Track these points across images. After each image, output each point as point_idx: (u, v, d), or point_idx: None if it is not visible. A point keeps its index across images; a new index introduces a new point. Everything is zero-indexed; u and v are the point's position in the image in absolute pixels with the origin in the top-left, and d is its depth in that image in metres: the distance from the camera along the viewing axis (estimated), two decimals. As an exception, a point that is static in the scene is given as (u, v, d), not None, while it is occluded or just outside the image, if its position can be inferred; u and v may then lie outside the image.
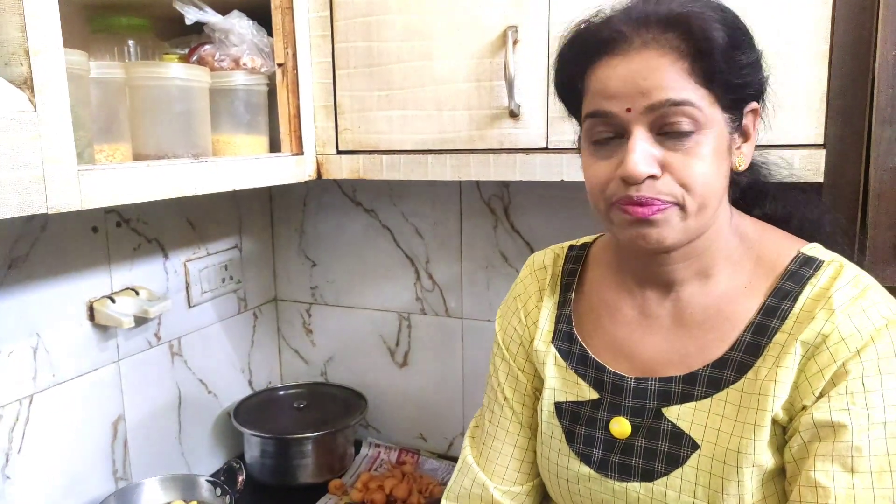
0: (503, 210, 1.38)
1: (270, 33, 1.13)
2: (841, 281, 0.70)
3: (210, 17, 1.06)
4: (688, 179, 0.67)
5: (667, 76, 0.66)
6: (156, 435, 1.31)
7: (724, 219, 0.75)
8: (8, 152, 0.64)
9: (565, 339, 0.84)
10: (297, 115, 1.14)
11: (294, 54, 1.12)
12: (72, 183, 0.72)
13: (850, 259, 0.74)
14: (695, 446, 0.73)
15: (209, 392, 1.45)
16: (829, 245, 0.77)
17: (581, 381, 0.82)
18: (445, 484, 0.94)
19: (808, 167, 0.89)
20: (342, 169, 1.17)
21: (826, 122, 0.89)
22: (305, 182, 1.17)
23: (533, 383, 0.89)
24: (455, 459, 1.00)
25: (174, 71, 0.97)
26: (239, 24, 1.09)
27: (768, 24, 0.87)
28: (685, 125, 0.67)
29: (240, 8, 1.11)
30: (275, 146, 1.17)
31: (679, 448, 0.74)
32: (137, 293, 1.22)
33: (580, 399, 0.82)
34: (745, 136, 0.73)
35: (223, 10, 1.08)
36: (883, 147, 0.85)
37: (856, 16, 0.86)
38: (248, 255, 1.55)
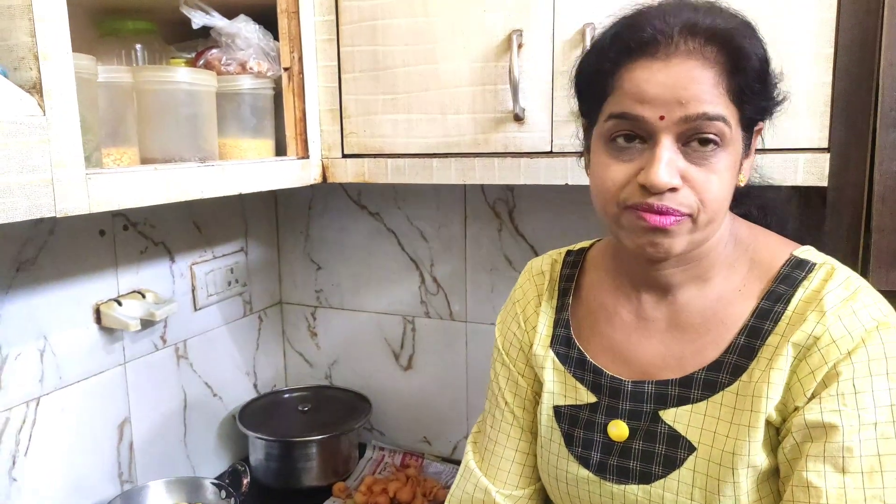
0: (508, 213, 1.39)
1: (276, 37, 1.13)
2: (832, 283, 0.70)
3: (217, 21, 1.07)
4: (705, 195, 0.68)
5: (706, 89, 0.65)
6: (161, 437, 1.32)
7: (723, 226, 0.75)
8: (17, 156, 0.65)
9: (563, 344, 0.85)
10: (303, 119, 1.15)
11: (300, 58, 1.13)
12: (80, 186, 0.72)
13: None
14: (691, 448, 0.73)
15: (214, 395, 1.45)
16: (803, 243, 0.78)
17: (579, 385, 0.82)
18: (449, 487, 0.95)
19: (813, 171, 0.90)
20: (347, 173, 1.17)
21: (830, 126, 0.89)
22: (311, 186, 1.17)
23: (533, 388, 0.89)
24: (459, 463, 1.00)
25: (181, 75, 0.98)
26: (245, 29, 1.10)
27: (772, 27, 0.86)
28: (713, 140, 0.67)
29: (246, 12, 1.11)
30: (281, 150, 1.18)
31: (676, 450, 0.74)
32: (144, 296, 1.22)
33: (578, 402, 0.82)
34: (748, 152, 0.74)
35: (230, 15, 1.09)
36: (887, 151, 0.85)
37: (860, 19, 0.86)
38: (254, 258, 1.55)
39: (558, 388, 0.84)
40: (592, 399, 0.81)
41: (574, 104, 0.98)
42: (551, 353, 0.85)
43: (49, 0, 0.67)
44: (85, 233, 1.14)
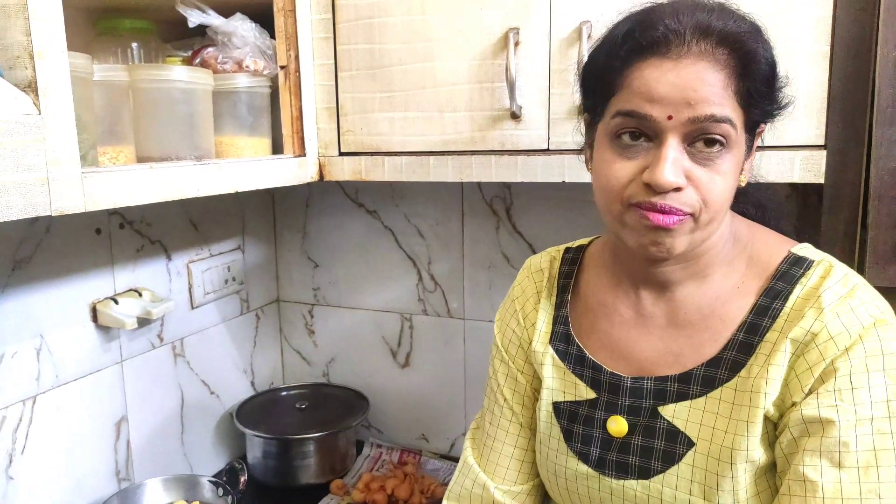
0: (505, 211, 1.39)
1: (273, 36, 1.13)
2: (830, 280, 0.71)
3: (213, 19, 1.07)
4: (708, 194, 0.68)
5: (715, 91, 0.66)
6: (158, 435, 1.32)
7: (723, 224, 0.75)
8: (12, 155, 0.65)
9: (562, 340, 0.85)
10: (300, 117, 1.14)
11: (296, 56, 1.13)
12: (75, 185, 0.72)
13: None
14: (690, 444, 0.74)
15: (212, 393, 1.45)
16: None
17: (578, 381, 0.82)
18: (447, 484, 0.95)
19: (809, 168, 0.90)
20: (344, 170, 1.17)
21: (827, 124, 0.89)
22: (308, 183, 1.17)
23: (532, 384, 0.90)
24: (457, 460, 1.00)
25: (177, 73, 0.98)
26: (242, 27, 1.09)
27: (769, 26, 0.86)
28: (719, 141, 0.67)
29: (242, 10, 1.11)
30: (277, 148, 1.18)
31: (675, 446, 0.75)
32: (140, 294, 1.22)
33: (578, 399, 0.82)
34: (750, 153, 0.74)
35: (226, 13, 1.09)
36: (884, 148, 0.86)
37: (856, 16, 0.86)
38: (251, 256, 1.55)
39: (557, 384, 0.84)
40: (592, 395, 0.81)
41: (576, 100, 0.99)
42: (550, 350, 0.85)
43: (44, -1, 0.67)
44: (81, 231, 1.14)
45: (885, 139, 0.85)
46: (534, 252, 1.34)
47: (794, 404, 0.69)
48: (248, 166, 1.02)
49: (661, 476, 0.75)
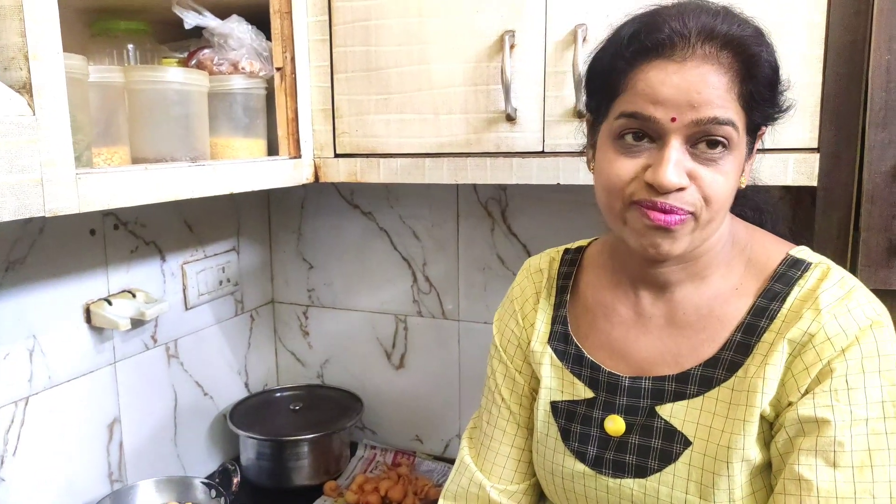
0: (500, 213, 1.39)
1: (269, 37, 1.13)
2: (828, 282, 0.71)
3: (209, 21, 1.07)
4: (710, 193, 0.69)
5: (719, 94, 0.66)
6: (151, 437, 1.31)
7: (723, 226, 0.76)
8: (6, 156, 0.65)
9: (561, 340, 0.86)
10: (295, 119, 1.15)
11: (292, 58, 1.13)
12: (69, 186, 0.72)
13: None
14: (687, 443, 0.74)
15: (205, 394, 1.45)
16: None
17: (577, 381, 0.83)
18: (441, 486, 0.95)
19: (803, 171, 0.90)
20: (340, 172, 1.17)
21: (820, 127, 0.90)
22: (303, 185, 1.17)
23: (530, 384, 0.90)
24: (451, 461, 1.00)
25: (173, 75, 0.98)
26: (238, 29, 1.09)
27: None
28: (721, 143, 0.68)
29: (238, 12, 1.11)
30: (273, 149, 1.18)
31: (672, 445, 0.75)
32: (134, 295, 1.22)
33: (576, 398, 0.83)
34: (750, 155, 0.75)
35: (222, 15, 1.09)
36: (876, 151, 0.86)
37: (849, 20, 0.86)
38: (246, 257, 1.55)
39: (556, 383, 0.85)
40: (590, 394, 0.82)
41: (570, 102, 0.99)
42: (549, 350, 0.86)
43: (40, 1, 0.67)
44: (75, 232, 1.14)
45: (877, 142, 0.86)
46: (529, 254, 1.35)
47: (790, 404, 0.69)
48: (244, 168, 1.02)
49: (657, 475, 0.76)
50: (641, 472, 0.77)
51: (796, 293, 0.72)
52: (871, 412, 0.67)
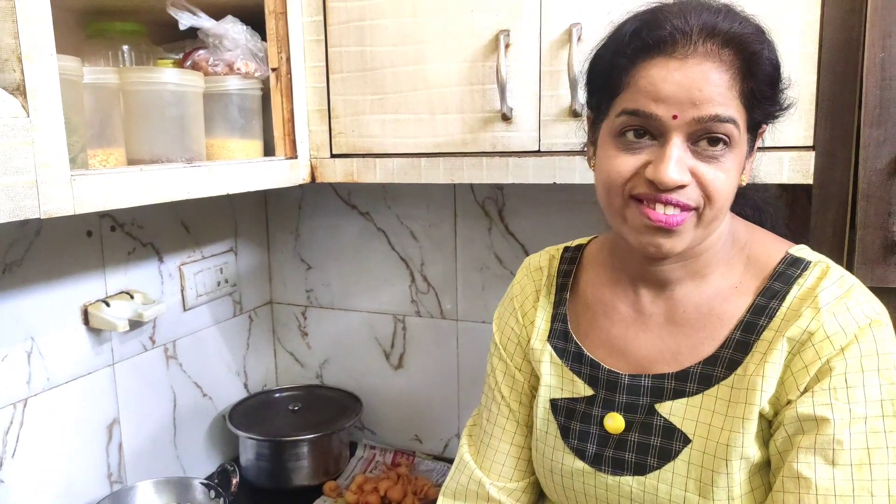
0: (497, 212, 1.39)
1: (264, 38, 1.13)
2: (827, 281, 0.72)
3: (204, 22, 1.06)
4: (712, 191, 0.69)
5: (720, 91, 0.66)
6: (150, 438, 1.31)
7: (723, 224, 0.76)
8: (0, 158, 0.65)
9: (561, 338, 0.86)
10: (291, 119, 1.15)
11: (288, 59, 1.13)
12: (64, 188, 0.72)
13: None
14: (686, 441, 0.74)
15: (204, 395, 1.45)
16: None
17: (576, 378, 0.83)
18: (440, 486, 0.95)
19: (798, 169, 0.90)
20: (336, 172, 1.17)
21: (815, 125, 0.90)
22: (300, 185, 1.17)
23: (529, 382, 0.90)
24: (450, 461, 1.00)
25: (168, 76, 0.98)
26: (233, 29, 1.09)
27: (757, 28, 0.87)
28: (722, 141, 0.68)
29: (233, 13, 1.11)
30: (269, 150, 1.18)
31: (671, 442, 0.75)
32: (132, 297, 1.22)
33: (575, 396, 0.83)
34: (751, 153, 0.75)
35: (217, 16, 1.09)
36: (871, 149, 0.86)
37: (844, 18, 0.86)
38: (244, 258, 1.55)
39: (555, 381, 0.85)
40: (589, 392, 0.82)
41: (565, 101, 0.99)
42: (549, 347, 0.86)
43: (33, 2, 0.67)
44: (72, 234, 1.14)
45: (872, 140, 0.86)
46: (526, 253, 1.35)
47: (789, 402, 0.70)
48: (240, 168, 1.02)
49: (656, 472, 0.76)
50: (641, 469, 0.77)
51: (796, 292, 0.72)
52: (869, 410, 0.67)
